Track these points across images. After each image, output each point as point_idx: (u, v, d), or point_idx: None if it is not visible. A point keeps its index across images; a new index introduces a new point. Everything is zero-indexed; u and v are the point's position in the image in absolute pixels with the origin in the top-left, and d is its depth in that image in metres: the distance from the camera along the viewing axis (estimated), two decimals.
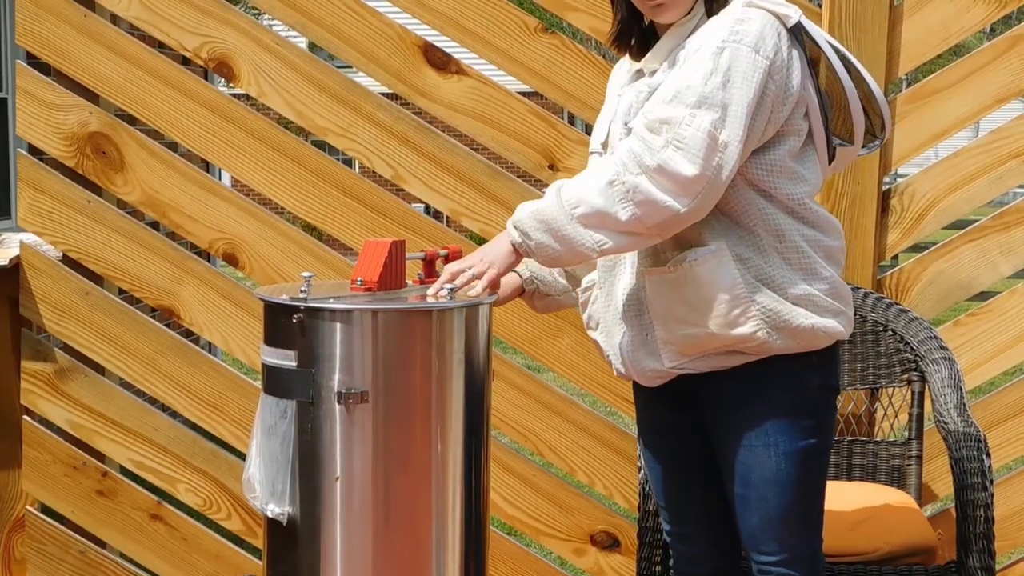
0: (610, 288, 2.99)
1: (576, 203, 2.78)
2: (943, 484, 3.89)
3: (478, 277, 2.88)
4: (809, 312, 2.83)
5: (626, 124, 2.90)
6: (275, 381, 2.84)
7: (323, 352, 2.78)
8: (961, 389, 3.55)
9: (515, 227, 2.85)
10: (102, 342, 4.21)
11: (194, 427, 4.33)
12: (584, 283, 3.11)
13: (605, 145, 2.97)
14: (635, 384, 3.04)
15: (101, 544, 4.31)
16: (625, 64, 3.04)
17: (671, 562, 3.13)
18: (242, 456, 3.29)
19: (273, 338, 2.85)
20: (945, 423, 3.40)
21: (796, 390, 2.88)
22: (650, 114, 2.77)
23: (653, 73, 2.91)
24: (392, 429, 2.80)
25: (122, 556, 4.31)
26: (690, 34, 2.86)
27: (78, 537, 4.28)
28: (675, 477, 3.04)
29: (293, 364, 2.80)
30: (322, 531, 2.81)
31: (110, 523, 4.27)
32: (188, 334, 4.58)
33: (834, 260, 2.88)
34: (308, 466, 2.81)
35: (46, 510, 4.32)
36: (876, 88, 2.94)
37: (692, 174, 2.71)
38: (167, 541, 4.25)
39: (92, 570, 4.28)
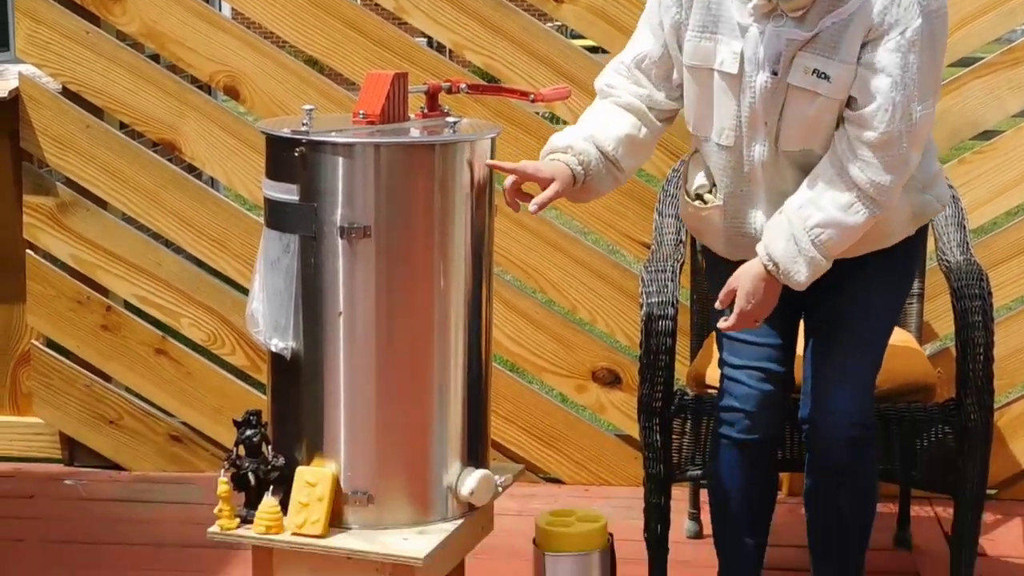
0: (745, 216, 3.04)
1: (832, 247, 2.90)
2: (944, 323, 3.90)
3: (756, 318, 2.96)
4: (934, 198, 3.03)
5: (774, 72, 2.87)
6: (277, 215, 2.83)
7: (325, 186, 2.76)
8: (964, 227, 3.54)
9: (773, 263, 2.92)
10: (103, 176, 4.20)
11: (197, 262, 4.34)
12: (695, 194, 3.10)
13: (735, 80, 2.91)
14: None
15: (107, 378, 4.34)
16: None
17: (719, 426, 3.14)
18: (245, 291, 3.30)
19: (275, 172, 2.83)
20: (947, 261, 3.40)
21: (909, 254, 3.08)
22: (877, 130, 2.83)
23: (800, 18, 2.84)
24: (395, 265, 2.80)
25: (127, 390, 4.35)
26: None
27: (84, 371, 4.32)
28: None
29: (295, 198, 2.78)
30: (325, 366, 2.82)
31: (115, 357, 4.30)
32: (190, 169, 4.56)
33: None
34: (311, 301, 2.81)
35: (51, 344, 4.35)
36: None
37: (914, 164, 2.91)
38: (172, 376, 4.28)
39: (98, 404, 4.32)
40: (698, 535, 3.78)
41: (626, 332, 4.12)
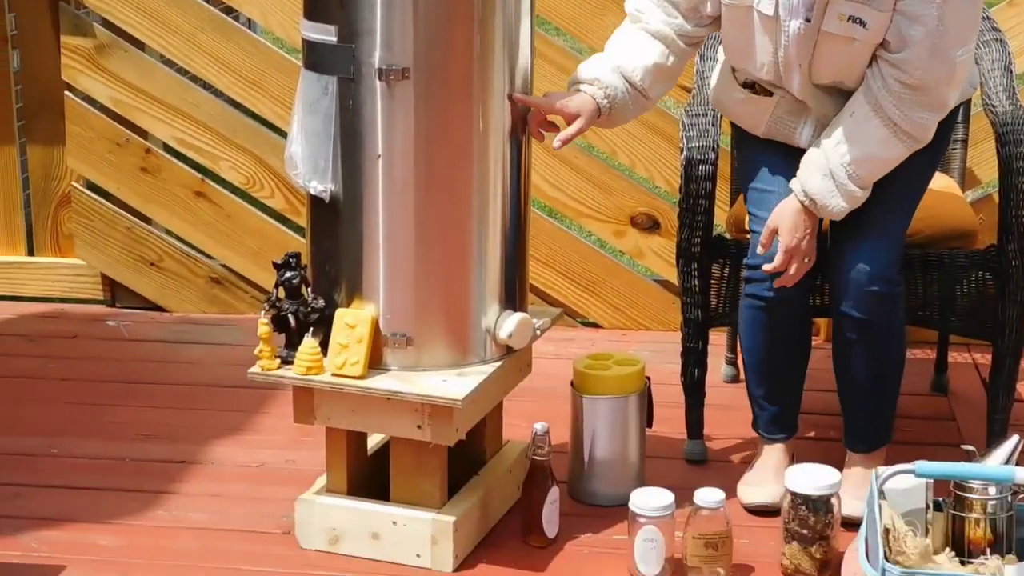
0: (794, 122, 3.06)
1: (869, 179, 2.92)
2: (987, 169, 3.87)
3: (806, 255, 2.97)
4: (967, 83, 3.07)
5: (808, 19, 2.86)
6: (315, 57, 2.81)
7: (363, 27, 2.73)
8: (1011, 72, 3.48)
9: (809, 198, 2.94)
10: (141, 17, 4.17)
11: (235, 104, 4.32)
12: (743, 82, 3.10)
13: (772, 21, 2.91)
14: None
15: (147, 220, 4.36)
16: None
17: (745, 284, 3.13)
18: (284, 134, 3.29)
19: (313, 12, 2.80)
20: (993, 106, 3.36)
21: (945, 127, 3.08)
22: (913, 75, 2.83)
23: None
24: (433, 107, 2.78)
25: (168, 232, 4.37)
26: None
27: (124, 213, 4.34)
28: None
29: (333, 39, 2.76)
30: (364, 209, 2.82)
31: (155, 200, 4.31)
32: (228, 11, 4.52)
33: None
34: (350, 143, 2.80)
35: (91, 187, 4.37)
36: None
37: (952, 102, 2.97)
38: (212, 218, 4.30)
39: (138, 246, 4.34)
40: (735, 379, 3.79)
41: (665, 177, 4.10)
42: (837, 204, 2.92)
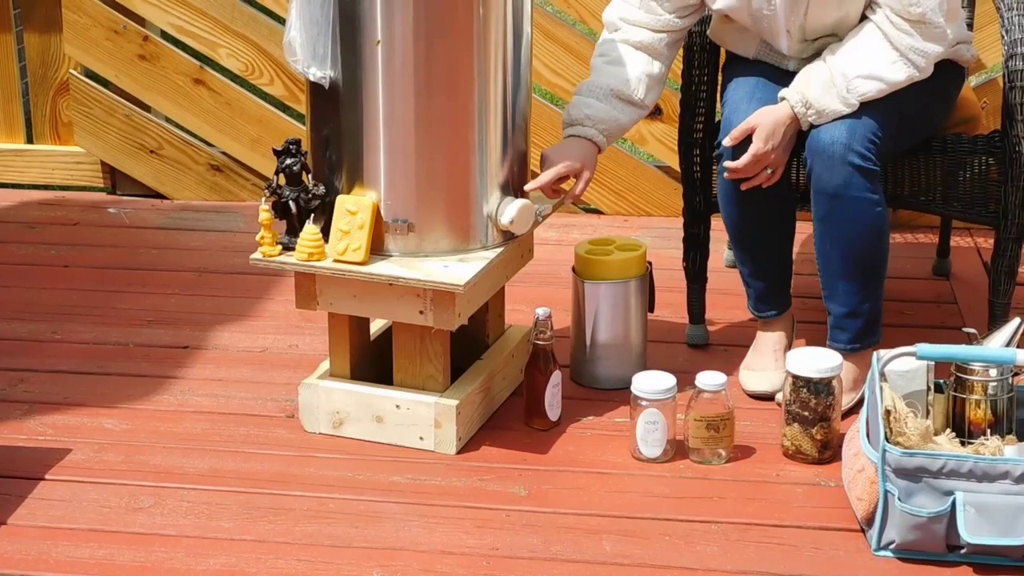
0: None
1: (864, 98, 2.93)
2: (992, 53, 3.84)
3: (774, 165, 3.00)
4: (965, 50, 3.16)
5: None
6: None
7: None
8: None
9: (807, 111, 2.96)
10: None
11: None
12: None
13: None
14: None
15: (146, 108, 4.34)
16: None
17: (719, 163, 3.11)
18: (282, 21, 3.26)
19: None
20: None
21: None
22: (912, 12, 2.89)
23: None
24: None
25: (167, 120, 4.35)
26: None
27: (123, 101, 4.31)
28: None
29: None
30: (364, 95, 2.80)
31: (154, 87, 4.29)
32: None
33: None
34: (349, 29, 2.78)
35: (90, 74, 4.34)
36: None
37: (951, 35, 2.98)
38: (211, 106, 4.27)
39: (138, 133, 4.33)
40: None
41: None
42: (833, 106, 2.93)
